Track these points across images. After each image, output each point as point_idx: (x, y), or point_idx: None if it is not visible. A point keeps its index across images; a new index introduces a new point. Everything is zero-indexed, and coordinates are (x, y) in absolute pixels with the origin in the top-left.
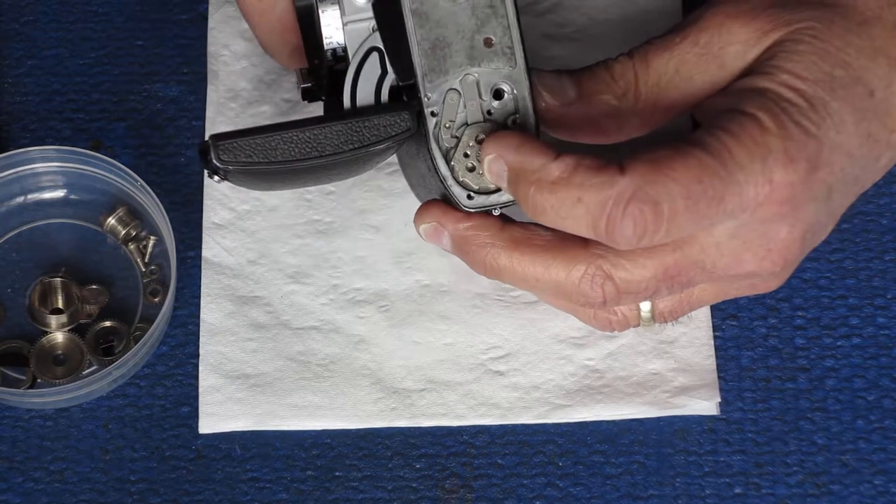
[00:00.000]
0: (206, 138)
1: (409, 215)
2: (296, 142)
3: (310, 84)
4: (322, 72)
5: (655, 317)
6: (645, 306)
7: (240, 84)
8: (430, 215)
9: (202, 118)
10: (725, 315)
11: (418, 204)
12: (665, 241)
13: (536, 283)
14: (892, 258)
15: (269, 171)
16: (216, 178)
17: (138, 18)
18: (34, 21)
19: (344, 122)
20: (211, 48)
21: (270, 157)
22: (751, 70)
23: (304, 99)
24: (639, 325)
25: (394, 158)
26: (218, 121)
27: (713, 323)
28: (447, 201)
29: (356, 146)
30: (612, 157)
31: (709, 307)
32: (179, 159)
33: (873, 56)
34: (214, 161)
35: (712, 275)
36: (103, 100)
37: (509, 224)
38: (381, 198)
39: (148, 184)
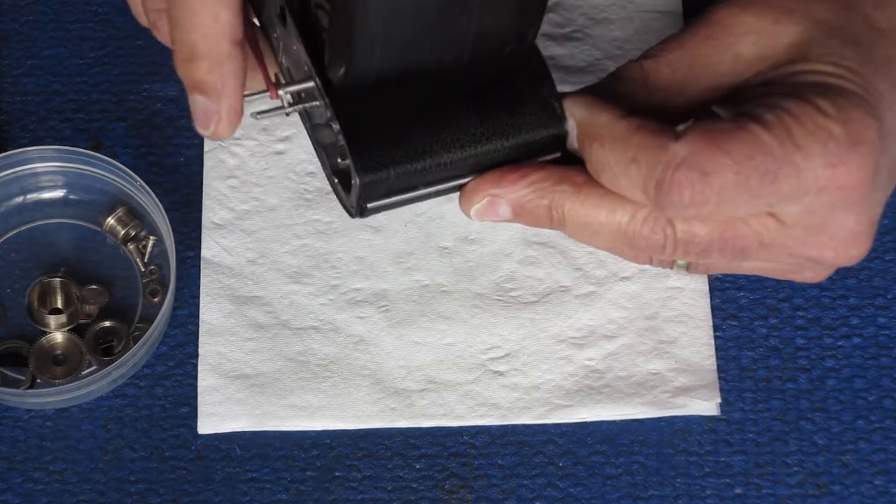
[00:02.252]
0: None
1: (408, 215)
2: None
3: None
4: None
5: (690, 268)
6: None
7: None
8: (483, 189)
9: None
10: (726, 315)
11: (418, 203)
12: (718, 217)
13: (599, 228)
14: (893, 258)
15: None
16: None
17: None
18: (34, 21)
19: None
20: None
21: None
22: (786, 60)
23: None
24: (672, 268)
25: None
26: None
27: (713, 323)
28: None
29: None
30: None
31: (709, 308)
32: (179, 159)
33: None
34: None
35: (770, 251)
36: (103, 100)
37: (569, 169)
38: None
39: (147, 184)
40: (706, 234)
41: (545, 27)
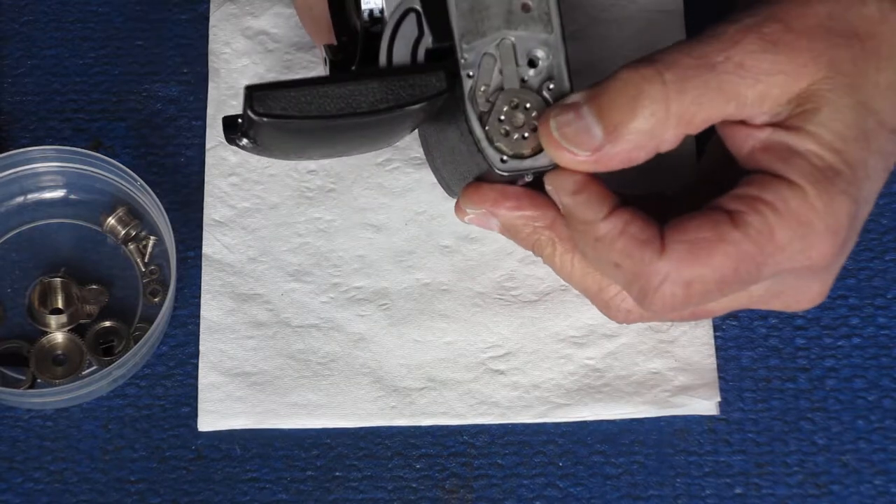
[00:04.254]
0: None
1: (409, 214)
2: (331, 96)
3: (338, 59)
4: (359, 41)
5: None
6: None
7: (241, 82)
8: (481, 202)
9: (202, 118)
10: (726, 315)
11: (419, 202)
12: (695, 312)
13: (569, 280)
14: (893, 258)
15: (301, 129)
16: (245, 141)
17: (138, 18)
18: (34, 21)
19: (381, 78)
20: (212, 46)
21: (305, 112)
22: (787, 120)
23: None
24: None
25: (409, 145)
26: (219, 118)
27: (714, 323)
28: (479, 178)
29: (391, 104)
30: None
31: None
32: (179, 159)
33: (890, 92)
34: (250, 113)
35: (731, 301)
36: (103, 100)
37: (560, 220)
38: (381, 196)
39: (148, 184)
40: (673, 294)
41: None
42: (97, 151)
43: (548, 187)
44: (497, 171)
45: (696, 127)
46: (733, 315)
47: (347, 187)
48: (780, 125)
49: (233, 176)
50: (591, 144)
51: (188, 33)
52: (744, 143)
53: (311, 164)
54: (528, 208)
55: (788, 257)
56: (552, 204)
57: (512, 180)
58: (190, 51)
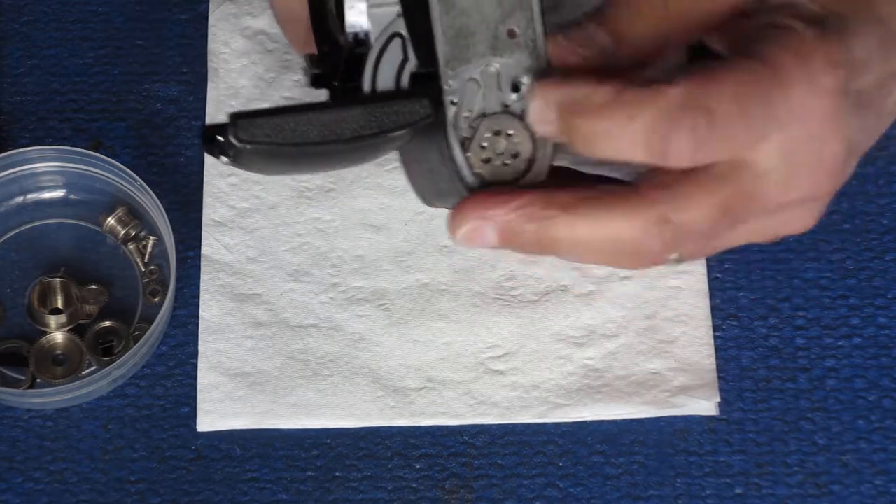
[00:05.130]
0: (211, 122)
1: (409, 214)
2: (315, 123)
3: (320, 70)
4: (341, 55)
5: (684, 254)
6: None
7: (240, 82)
8: (469, 213)
9: (202, 118)
10: (726, 315)
11: (418, 202)
12: (719, 156)
13: (593, 245)
14: (893, 258)
15: (285, 155)
16: (224, 159)
17: (138, 18)
18: (34, 21)
19: (364, 106)
20: (211, 46)
21: (289, 139)
22: None
23: (312, 85)
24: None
25: (394, 154)
26: (218, 118)
27: (713, 323)
28: (461, 196)
29: (375, 131)
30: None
31: (709, 308)
32: (179, 159)
33: None
34: (233, 139)
35: (764, 205)
36: (103, 99)
37: (554, 191)
38: (381, 196)
39: (147, 184)
40: (707, 214)
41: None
42: (97, 151)
43: (536, 102)
44: None
45: (696, 25)
46: (733, 315)
47: (347, 187)
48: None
49: (232, 176)
50: (597, 45)
51: (188, 33)
52: (737, 25)
53: None
54: (519, 198)
55: (794, 87)
56: (539, 190)
57: None
58: (190, 51)
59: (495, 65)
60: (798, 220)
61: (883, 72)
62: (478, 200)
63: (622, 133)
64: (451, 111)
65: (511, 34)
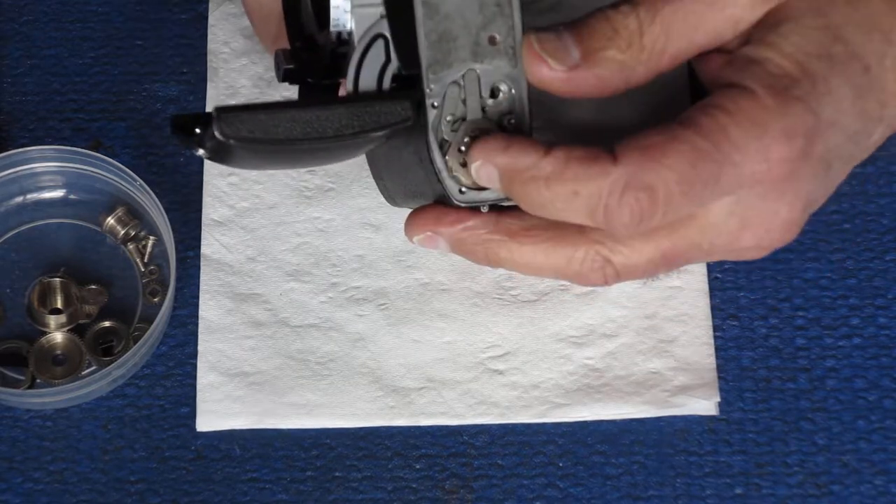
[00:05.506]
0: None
1: (408, 213)
2: (298, 121)
3: (292, 66)
4: (315, 50)
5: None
6: None
7: (239, 81)
8: (422, 225)
9: None
10: (726, 315)
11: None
12: (662, 224)
13: (538, 270)
14: (893, 258)
15: (266, 151)
16: (201, 151)
17: (138, 18)
18: (33, 21)
19: (347, 105)
20: (211, 45)
21: (272, 135)
22: (752, 36)
23: (284, 81)
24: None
25: None
26: None
27: (713, 323)
28: (435, 197)
29: (357, 131)
30: (601, 144)
31: (709, 308)
32: (179, 159)
33: (869, 31)
34: (217, 133)
35: (710, 254)
36: (103, 99)
37: (503, 216)
38: (380, 196)
39: (147, 183)
40: (647, 260)
41: (547, 25)
42: (97, 151)
43: (477, 163)
44: (455, 201)
45: (668, 60)
46: (734, 315)
47: (346, 187)
48: (746, 42)
49: (231, 176)
50: (567, 62)
51: (188, 33)
52: (712, 66)
53: None
54: (468, 219)
55: (746, 159)
56: (489, 213)
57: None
58: (189, 50)
59: (476, 70)
60: (750, 254)
61: (859, 125)
62: (430, 215)
63: (566, 206)
64: (432, 114)
65: (492, 41)
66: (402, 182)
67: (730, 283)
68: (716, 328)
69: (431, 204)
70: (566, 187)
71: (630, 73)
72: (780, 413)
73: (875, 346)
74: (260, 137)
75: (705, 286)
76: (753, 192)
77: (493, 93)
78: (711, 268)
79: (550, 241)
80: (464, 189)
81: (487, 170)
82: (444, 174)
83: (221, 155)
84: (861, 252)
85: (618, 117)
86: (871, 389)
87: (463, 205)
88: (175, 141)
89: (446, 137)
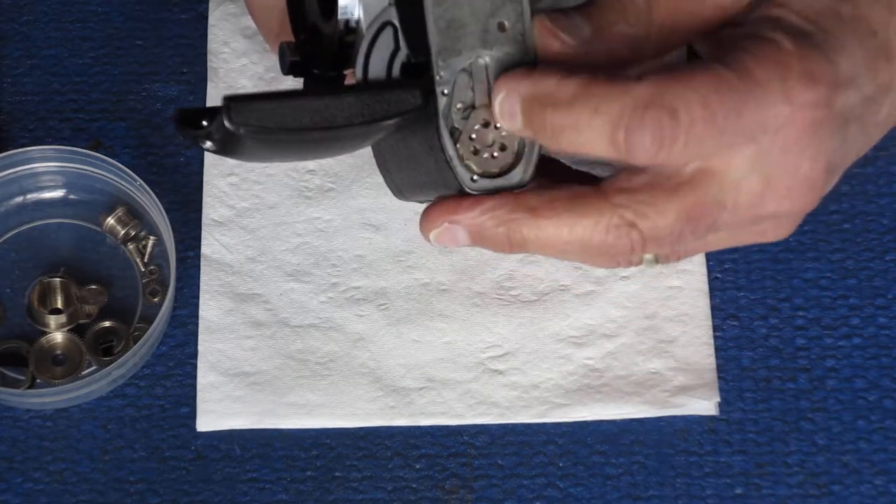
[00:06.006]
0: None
1: (408, 214)
2: (308, 109)
3: (297, 59)
4: (320, 42)
5: (660, 259)
6: None
7: (240, 81)
8: (439, 216)
9: None
10: (726, 315)
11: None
12: (684, 158)
13: (564, 246)
14: (893, 258)
15: (276, 140)
16: (209, 144)
17: (138, 18)
18: (33, 21)
19: (357, 93)
20: (211, 45)
21: (282, 124)
22: (759, 4)
23: (289, 73)
24: (641, 264)
25: None
26: None
27: (713, 323)
28: (445, 186)
29: (367, 119)
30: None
31: (709, 308)
32: (179, 159)
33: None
34: (226, 122)
35: (734, 215)
36: (103, 99)
37: (522, 194)
38: (381, 196)
39: (147, 183)
40: (672, 221)
41: None
42: (97, 151)
43: (501, 94)
44: (467, 189)
45: (677, 35)
46: (734, 315)
47: (346, 187)
48: (753, 11)
49: (231, 176)
50: (579, 37)
51: (188, 33)
52: (722, 38)
53: (310, 164)
54: (486, 202)
55: (769, 97)
56: (507, 193)
57: None
58: (189, 50)
59: (485, 57)
60: (772, 231)
61: (871, 87)
62: (446, 205)
63: (586, 127)
64: (442, 102)
65: (501, 27)
66: (410, 173)
67: (730, 283)
68: (716, 328)
69: (442, 196)
70: (588, 105)
71: (639, 49)
72: (780, 413)
73: (875, 346)
74: (269, 126)
75: (705, 286)
76: (776, 145)
77: None
78: (711, 268)
79: (573, 211)
80: (476, 177)
81: (510, 103)
82: (456, 162)
83: (230, 146)
84: (861, 252)
85: None
86: (871, 389)
87: (475, 193)
88: (179, 136)
89: (456, 125)
